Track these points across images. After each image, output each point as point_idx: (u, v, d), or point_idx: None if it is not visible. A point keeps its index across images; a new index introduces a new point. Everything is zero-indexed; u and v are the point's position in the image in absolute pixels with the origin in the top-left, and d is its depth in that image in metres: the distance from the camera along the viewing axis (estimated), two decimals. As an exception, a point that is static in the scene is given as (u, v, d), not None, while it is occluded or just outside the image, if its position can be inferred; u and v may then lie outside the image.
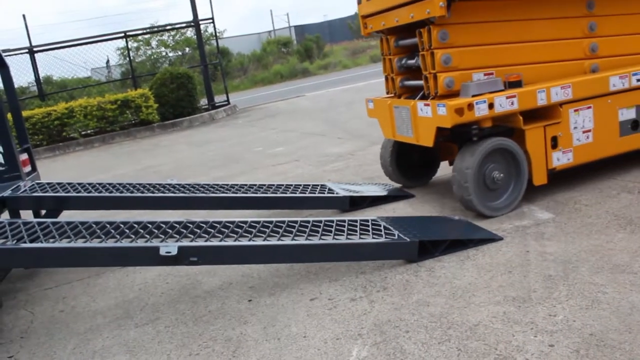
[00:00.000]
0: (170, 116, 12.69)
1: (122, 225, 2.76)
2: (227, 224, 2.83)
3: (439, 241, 2.80)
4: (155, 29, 22.08)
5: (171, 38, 43.06)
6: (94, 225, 2.73)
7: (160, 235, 2.68)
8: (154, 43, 47.09)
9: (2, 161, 3.82)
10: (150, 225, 2.76)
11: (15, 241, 2.53)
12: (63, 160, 9.98)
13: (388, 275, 2.66)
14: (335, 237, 2.75)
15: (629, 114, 3.68)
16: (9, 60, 4.07)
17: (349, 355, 2.02)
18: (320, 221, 2.95)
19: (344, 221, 2.99)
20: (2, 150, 3.80)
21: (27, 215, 3.78)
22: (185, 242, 2.54)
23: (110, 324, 2.62)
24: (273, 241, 2.64)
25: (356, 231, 2.86)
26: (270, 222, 2.90)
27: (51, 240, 2.57)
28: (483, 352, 1.90)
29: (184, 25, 16.90)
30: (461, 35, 3.35)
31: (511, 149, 3.30)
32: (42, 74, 15.28)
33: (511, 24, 3.50)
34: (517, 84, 3.32)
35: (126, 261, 2.61)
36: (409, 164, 4.12)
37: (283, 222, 2.92)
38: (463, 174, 3.20)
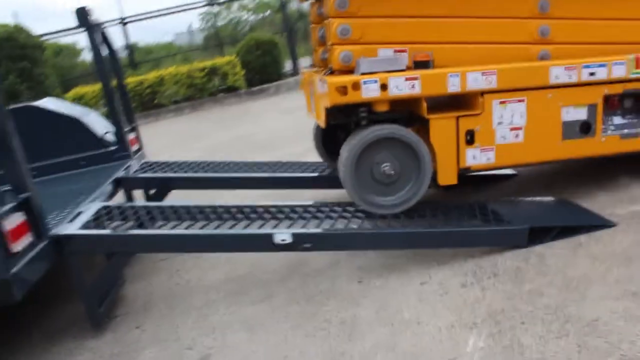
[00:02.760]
0: (257, 82, 12.89)
1: (234, 209, 2.90)
2: (335, 208, 2.91)
3: (548, 227, 2.76)
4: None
5: (252, 1, 43.10)
6: (207, 210, 2.87)
7: (272, 220, 2.80)
8: (234, 7, 47.44)
9: (114, 141, 4.05)
10: (260, 210, 2.88)
11: (137, 225, 2.72)
12: (156, 127, 10.41)
13: (498, 260, 2.66)
14: (446, 222, 2.77)
15: (577, 114, 3.06)
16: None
17: (465, 345, 2.06)
18: (427, 204, 2.97)
19: (451, 205, 3.00)
20: (114, 131, 4.03)
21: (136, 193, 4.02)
22: (299, 229, 2.62)
23: (225, 300, 2.77)
24: (383, 228, 2.70)
25: (464, 216, 2.87)
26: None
27: (170, 224, 2.74)
28: (606, 350, 1.89)
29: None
30: (366, 3, 2.91)
31: (406, 139, 2.88)
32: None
33: None
34: (423, 65, 2.88)
35: (242, 248, 2.72)
36: (338, 144, 3.32)
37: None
38: (343, 163, 2.92)
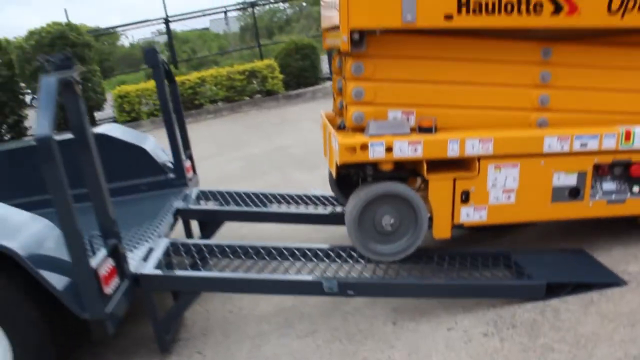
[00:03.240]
0: (294, 86, 13.29)
1: (285, 251, 3.30)
2: None
3: (564, 283, 3.09)
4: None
5: (289, -7, 43.13)
6: (262, 251, 3.28)
7: (318, 262, 3.20)
8: (272, -3, 47.48)
9: (172, 168, 4.46)
10: (308, 252, 3.28)
11: (202, 264, 3.15)
12: (196, 130, 10.80)
13: (517, 312, 3.00)
14: (471, 273, 3.14)
15: (568, 180, 3.31)
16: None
17: (484, 394, 2.42)
18: (457, 253, 3.33)
19: (479, 252, 3.36)
20: (172, 160, 4.44)
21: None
22: (343, 279, 3.01)
23: (275, 332, 3.16)
24: (418, 279, 3.08)
25: (489, 265, 3.22)
26: (407, 257, 3.32)
27: (231, 265, 3.17)
28: (604, 410, 2.23)
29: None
30: (380, 68, 3.17)
31: (405, 195, 3.19)
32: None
33: (444, 62, 3.23)
34: (427, 130, 3.13)
35: (297, 292, 3.13)
36: (350, 185, 3.67)
37: (426, 255, 3.37)
38: (348, 214, 3.24)
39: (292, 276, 3.07)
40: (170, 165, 4.47)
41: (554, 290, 3.08)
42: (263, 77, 12.75)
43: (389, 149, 3.07)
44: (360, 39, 3.04)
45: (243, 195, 4.35)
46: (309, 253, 3.29)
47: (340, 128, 3.52)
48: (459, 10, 2.96)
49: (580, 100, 3.33)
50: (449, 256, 3.36)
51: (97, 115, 13.88)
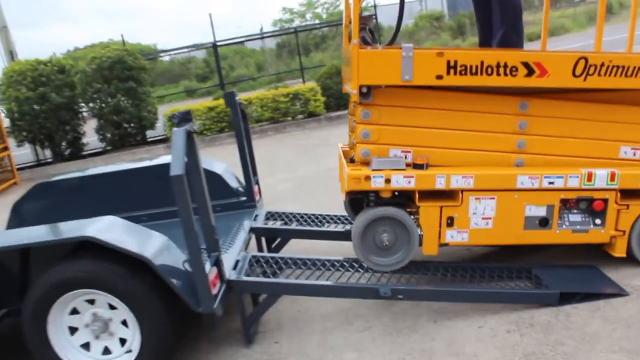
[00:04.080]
0: (334, 107, 14.08)
1: (345, 263, 4.08)
2: (428, 267, 4.09)
3: (575, 292, 3.77)
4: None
5: (325, 11, 44.18)
6: (326, 262, 4.05)
7: (369, 272, 3.99)
8: (308, 16, 48.45)
9: (243, 192, 5.26)
10: (355, 264, 4.04)
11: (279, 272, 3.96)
12: (246, 148, 11.71)
13: (535, 314, 3.69)
14: (498, 283, 3.86)
15: (538, 212, 3.87)
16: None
17: (506, 375, 3.13)
18: (487, 268, 4.05)
19: (504, 267, 4.06)
20: (244, 184, 5.24)
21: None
22: (395, 285, 3.76)
23: (337, 327, 3.91)
24: (455, 287, 3.81)
25: (513, 278, 3.93)
26: (447, 269, 4.08)
27: (304, 274, 4.01)
28: (598, 387, 2.92)
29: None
30: (383, 115, 3.80)
31: (400, 218, 3.85)
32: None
33: (436, 112, 3.82)
34: (420, 166, 3.76)
35: (355, 295, 3.88)
36: (361, 206, 4.18)
37: (461, 268, 4.10)
38: (353, 231, 3.93)
39: (354, 283, 3.84)
40: (241, 189, 5.28)
41: (566, 298, 3.75)
42: (306, 100, 13.59)
43: (387, 181, 3.74)
44: (368, 91, 3.72)
45: (304, 215, 5.13)
46: (355, 264, 4.08)
47: (352, 161, 4.16)
48: (448, 72, 3.62)
49: (551, 145, 3.90)
50: (480, 269, 4.06)
51: (149, 133, 14.84)
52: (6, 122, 13.53)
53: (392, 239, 3.93)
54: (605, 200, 3.89)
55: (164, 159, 5.55)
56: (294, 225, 5.00)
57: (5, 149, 13.08)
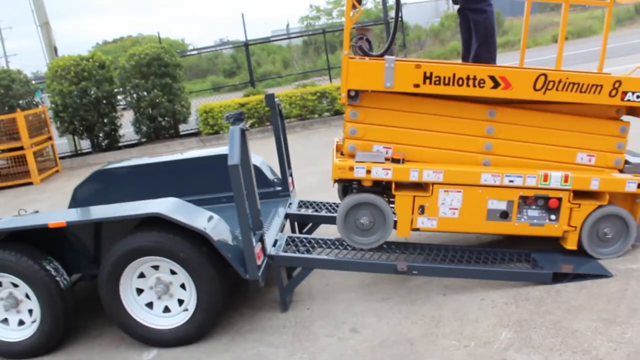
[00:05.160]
0: (359, 106, 14.67)
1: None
2: (440, 249, 4.71)
3: (567, 273, 4.38)
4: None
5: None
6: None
7: (396, 251, 4.61)
8: (334, 13, 48.83)
9: (279, 183, 5.94)
10: (385, 246, 4.68)
11: (305, 252, 4.63)
12: (273, 144, 12.38)
13: (530, 290, 4.30)
14: (500, 264, 4.49)
15: (499, 205, 4.39)
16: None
17: (500, 335, 3.76)
18: (491, 251, 4.67)
19: (507, 251, 4.69)
20: (280, 176, 5.92)
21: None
22: (411, 262, 4.40)
23: (360, 298, 4.56)
24: (463, 265, 4.45)
25: (513, 260, 4.55)
26: (456, 251, 4.69)
27: (333, 252, 4.67)
28: (574, 345, 3.54)
29: None
30: (368, 115, 4.35)
31: (378, 204, 4.42)
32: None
33: (414, 114, 4.37)
34: (396, 161, 4.30)
35: (378, 270, 4.52)
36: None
37: (469, 250, 4.71)
38: (338, 214, 4.51)
39: (375, 259, 4.49)
40: (276, 180, 5.96)
41: (559, 278, 4.36)
42: (332, 98, 14.24)
43: (368, 171, 4.31)
44: (356, 94, 4.32)
45: (333, 204, 5.81)
46: (385, 246, 4.71)
47: (342, 154, 4.69)
48: (424, 82, 4.21)
49: (515, 148, 4.44)
50: (485, 252, 4.68)
51: (181, 127, 15.61)
52: (49, 114, 14.42)
53: (370, 221, 4.51)
54: (560, 199, 4.39)
55: (208, 151, 6.26)
56: (323, 212, 5.68)
57: (49, 138, 13.98)
